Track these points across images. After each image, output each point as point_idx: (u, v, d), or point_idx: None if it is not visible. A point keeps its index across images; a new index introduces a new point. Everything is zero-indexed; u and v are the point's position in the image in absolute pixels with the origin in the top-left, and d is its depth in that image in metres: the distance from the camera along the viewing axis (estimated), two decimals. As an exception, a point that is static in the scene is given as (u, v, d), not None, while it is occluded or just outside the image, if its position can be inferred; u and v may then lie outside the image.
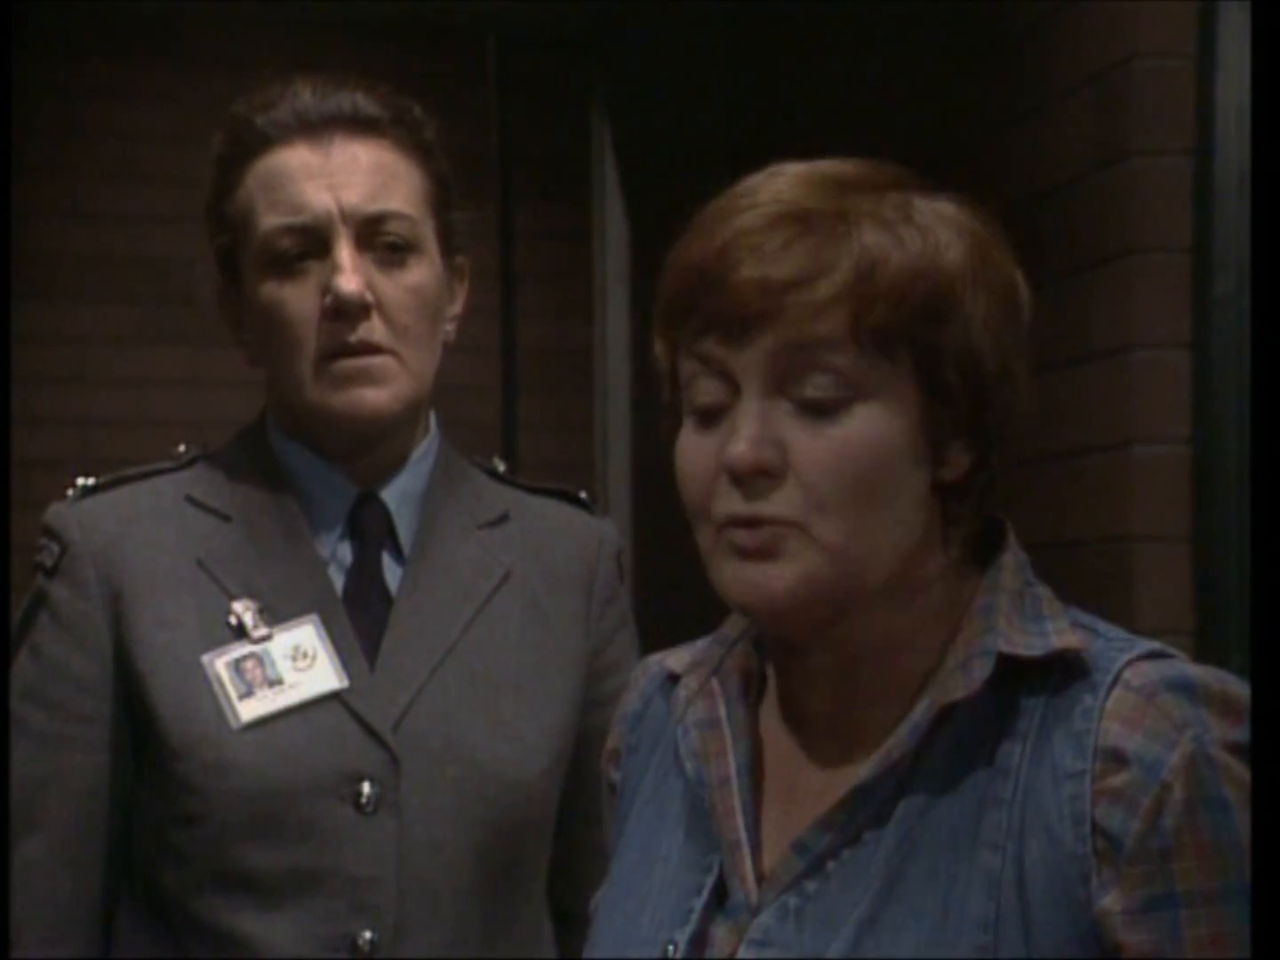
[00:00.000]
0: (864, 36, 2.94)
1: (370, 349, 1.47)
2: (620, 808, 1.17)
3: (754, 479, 1.00)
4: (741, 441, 1.00)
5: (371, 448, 1.53)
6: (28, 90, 4.21)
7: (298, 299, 1.47)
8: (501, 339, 4.10)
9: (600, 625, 1.60)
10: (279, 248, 1.47)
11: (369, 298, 1.46)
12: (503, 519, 1.58)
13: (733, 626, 1.12)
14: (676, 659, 1.15)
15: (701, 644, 1.14)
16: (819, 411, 1.00)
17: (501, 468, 1.65)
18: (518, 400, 3.98)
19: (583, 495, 1.67)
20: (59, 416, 4.27)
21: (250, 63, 4.22)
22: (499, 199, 3.99)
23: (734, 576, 1.01)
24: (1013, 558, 1.05)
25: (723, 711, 1.08)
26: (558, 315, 4.42)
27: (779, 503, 1.00)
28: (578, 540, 1.61)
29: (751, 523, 1.00)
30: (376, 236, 1.48)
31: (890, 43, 2.82)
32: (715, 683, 1.09)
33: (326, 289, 1.46)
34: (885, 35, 2.84)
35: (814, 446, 0.99)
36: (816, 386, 0.99)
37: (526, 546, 1.58)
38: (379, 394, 1.47)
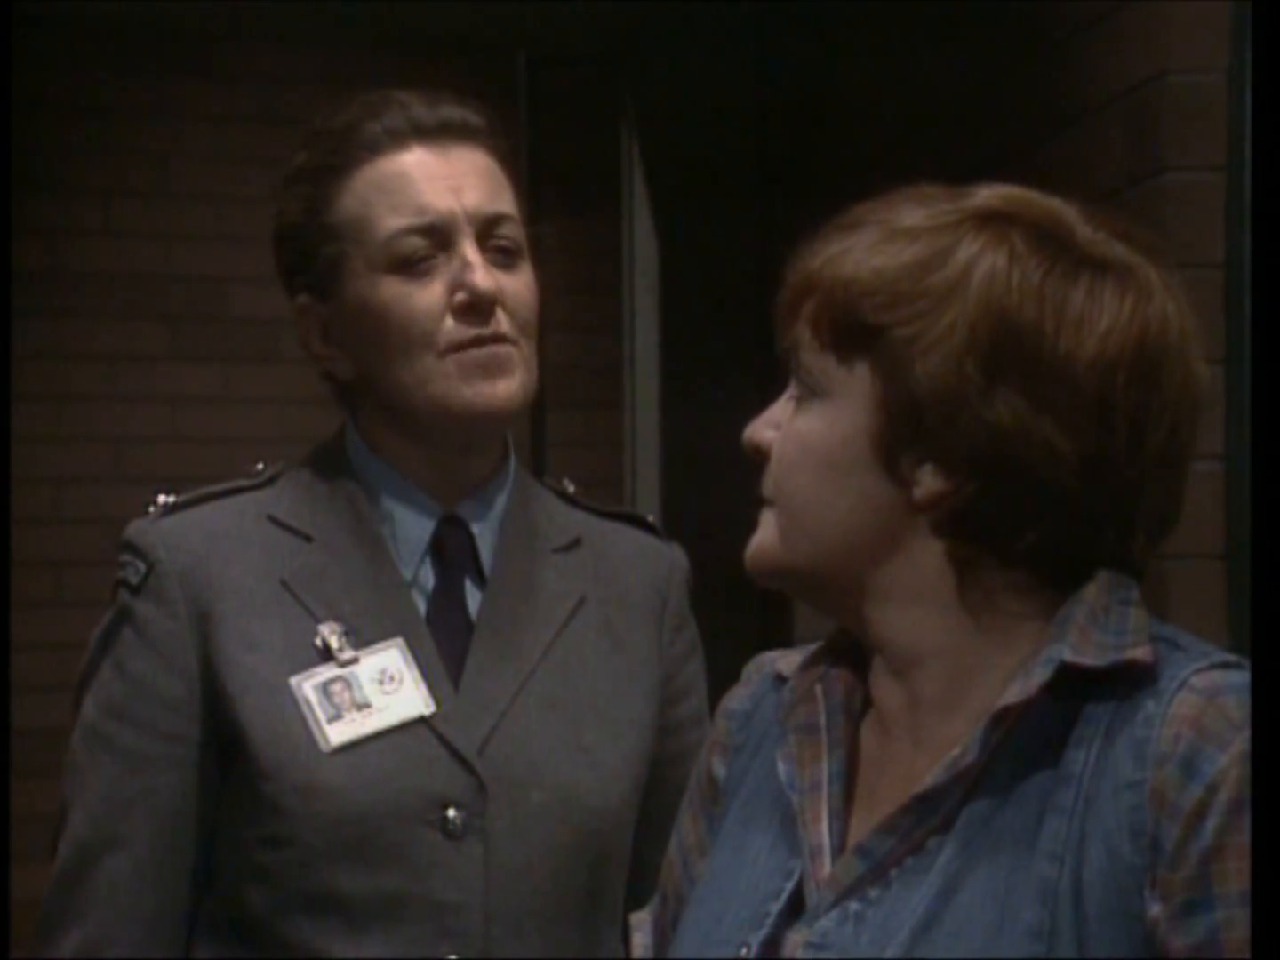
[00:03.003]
0: (894, 51, 2.94)
1: (501, 338, 1.48)
2: (723, 805, 1.17)
3: (755, 457, 1.10)
4: (752, 422, 1.10)
5: (474, 452, 1.54)
6: (61, 109, 4.23)
7: (425, 297, 1.48)
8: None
9: (671, 651, 1.60)
10: (406, 249, 1.48)
11: (498, 294, 1.49)
12: (575, 543, 1.59)
13: (844, 636, 1.13)
14: (787, 662, 1.17)
15: (814, 648, 1.16)
16: (797, 402, 1.08)
17: (571, 489, 1.65)
18: (546, 415, 3.98)
19: (650, 519, 1.68)
20: (91, 434, 4.28)
21: (284, 81, 4.28)
22: (528, 214, 3.99)
23: None
24: (1106, 578, 1.04)
25: (823, 719, 1.10)
26: (587, 330, 4.41)
27: (766, 483, 1.09)
28: (649, 566, 1.61)
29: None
30: (490, 239, 1.51)
31: (921, 57, 2.81)
32: (819, 689, 1.11)
33: (458, 286, 1.48)
34: (916, 49, 2.84)
35: (780, 434, 1.08)
36: (798, 379, 1.08)
37: (599, 572, 1.58)
38: (510, 384, 1.49)
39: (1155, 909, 0.96)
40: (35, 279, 4.12)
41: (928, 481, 1.03)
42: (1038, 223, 1.05)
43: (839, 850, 1.05)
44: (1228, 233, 2.01)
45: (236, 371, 4.31)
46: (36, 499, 4.15)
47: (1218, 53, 2.02)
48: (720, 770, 1.19)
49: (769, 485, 1.09)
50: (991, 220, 1.05)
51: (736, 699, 1.21)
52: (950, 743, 1.02)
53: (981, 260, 1.03)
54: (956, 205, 1.06)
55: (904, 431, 1.03)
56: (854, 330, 1.03)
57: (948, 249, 1.03)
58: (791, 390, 1.09)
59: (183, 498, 1.54)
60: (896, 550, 1.04)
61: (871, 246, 1.04)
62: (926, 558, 1.04)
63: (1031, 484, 1.02)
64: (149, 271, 4.31)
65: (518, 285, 1.51)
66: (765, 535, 1.09)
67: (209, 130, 4.34)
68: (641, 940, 1.24)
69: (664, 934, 1.22)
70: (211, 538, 1.51)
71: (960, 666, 1.04)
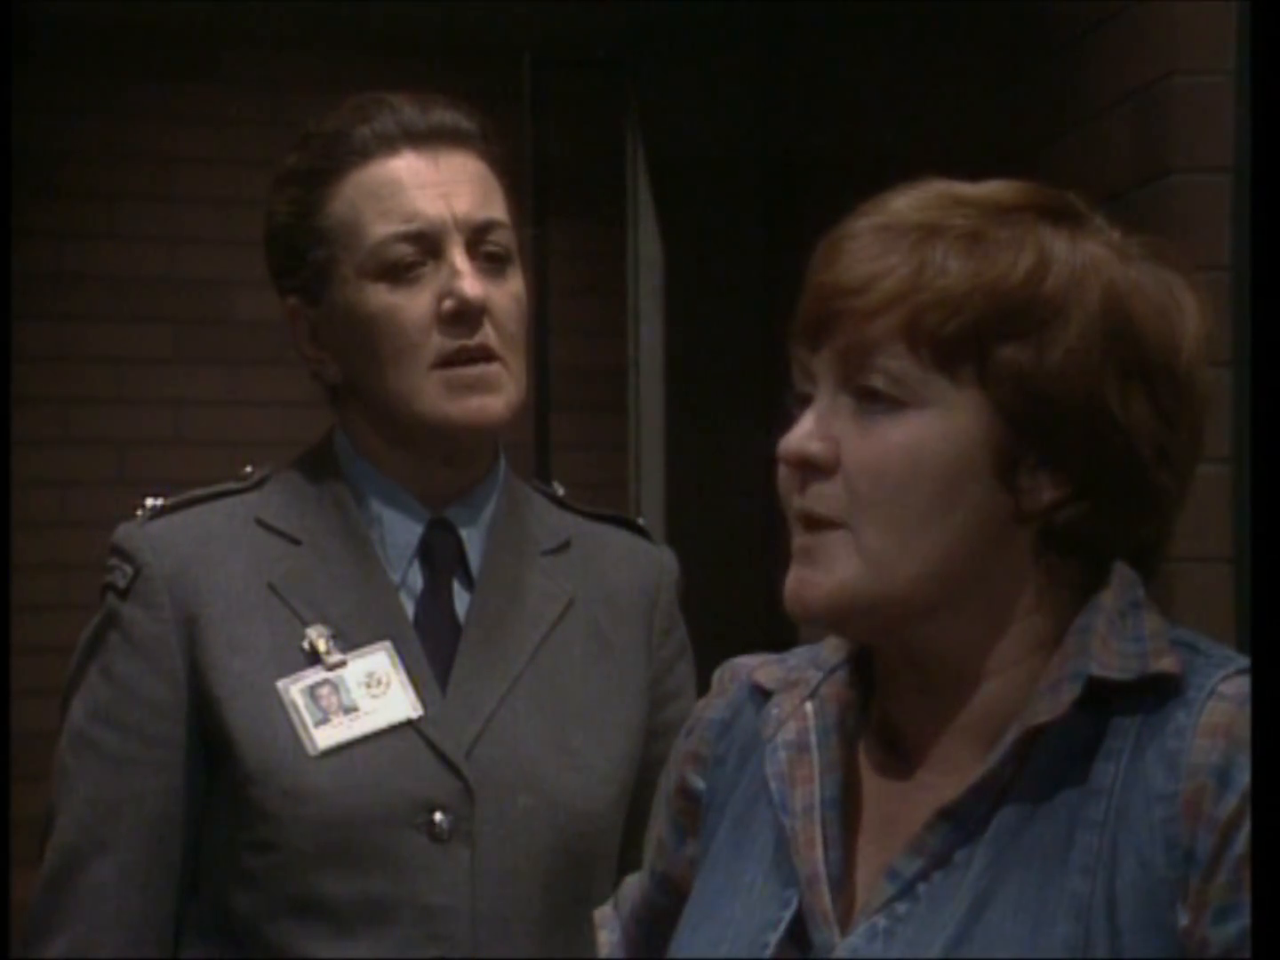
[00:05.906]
0: (899, 54, 2.94)
1: (487, 354, 1.47)
2: (708, 822, 1.13)
3: (804, 472, 1.01)
4: (794, 433, 1.02)
5: (460, 464, 1.53)
6: (65, 112, 4.23)
7: (412, 305, 1.47)
8: (534, 357, 4.10)
9: (660, 654, 1.59)
10: (393, 256, 1.48)
11: (486, 302, 1.48)
12: (564, 546, 1.58)
13: (833, 650, 1.10)
14: (766, 674, 1.13)
15: (793, 660, 1.13)
16: (873, 410, 1.00)
17: (561, 492, 1.64)
18: (550, 419, 3.98)
19: (640, 521, 1.67)
20: (96, 437, 4.28)
21: (288, 84, 4.28)
22: (533, 217, 3.99)
23: (789, 579, 1.02)
24: (1118, 578, 1.03)
25: (814, 738, 1.06)
26: (591, 333, 4.41)
27: (826, 500, 1.01)
28: (638, 569, 1.60)
29: (807, 521, 1.01)
30: (480, 245, 1.49)
31: (927, 60, 2.81)
32: (809, 707, 1.07)
33: (446, 294, 1.47)
34: (922, 52, 2.84)
35: (861, 445, 1.00)
36: (872, 384, 1.00)
37: (588, 574, 1.57)
38: (497, 402, 1.48)
39: (1186, 919, 0.94)
40: (39, 282, 4.13)
41: (1043, 490, 1.00)
42: (1069, 214, 1.03)
43: (843, 880, 1.02)
44: (1234, 235, 2.01)
45: (241, 375, 4.31)
46: (42, 502, 4.16)
47: (1224, 54, 2.02)
48: (698, 783, 1.15)
49: (839, 507, 1.00)
50: (1057, 215, 1.02)
51: (713, 708, 1.16)
52: (978, 762, 1.01)
53: (1084, 260, 1.00)
54: (994, 200, 1.02)
55: (1028, 440, 0.99)
56: (962, 342, 0.99)
57: (1044, 253, 1.00)
58: (833, 400, 1.02)
59: (171, 501, 1.54)
60: (993, 563, 1.01)
61: (959, 255, 0.99)
62: (1020, 568, 1.01)
63: (1141, 486, 1.01)
64: (153, 275, 4.31)
65: (506, 295, 1.50)
66: (845, 568, 1.00)
67: (213, 134, 4.34)
68: (608, 938, 1.21)
69: (632, 933, 1.20)
70: (199, 541, 1.50)
71: (1015, 682, 1.02)
